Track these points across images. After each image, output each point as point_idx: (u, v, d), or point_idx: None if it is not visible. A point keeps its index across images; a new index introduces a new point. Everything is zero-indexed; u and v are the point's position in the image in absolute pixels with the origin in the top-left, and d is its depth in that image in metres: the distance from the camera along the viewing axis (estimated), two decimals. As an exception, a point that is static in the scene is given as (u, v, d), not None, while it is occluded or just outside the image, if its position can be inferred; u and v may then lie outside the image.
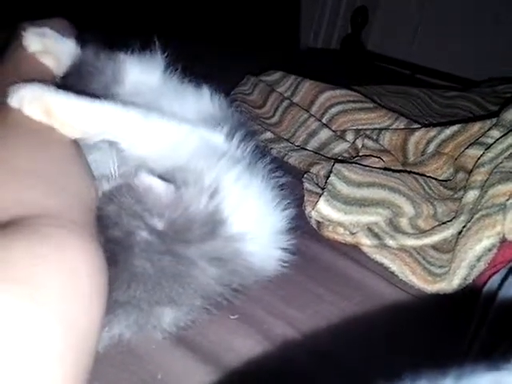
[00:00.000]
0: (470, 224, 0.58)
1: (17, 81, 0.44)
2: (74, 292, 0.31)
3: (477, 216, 0.58)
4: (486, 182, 0.63)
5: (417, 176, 0.74)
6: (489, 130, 0.74)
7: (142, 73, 0.60)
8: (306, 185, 0.73)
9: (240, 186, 0.45)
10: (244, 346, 0.45)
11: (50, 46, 0.53)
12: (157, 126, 0.48)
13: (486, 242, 0.55)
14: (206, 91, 0.60)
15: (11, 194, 0.36)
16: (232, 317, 0.48)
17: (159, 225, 0.39)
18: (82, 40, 0.58)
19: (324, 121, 0.94)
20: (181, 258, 0.39)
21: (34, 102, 0.42)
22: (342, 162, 0.74)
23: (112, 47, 0.60)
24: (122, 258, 0.38)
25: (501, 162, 0.65)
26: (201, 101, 0.59)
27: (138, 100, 0.54)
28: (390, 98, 1.14)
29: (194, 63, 0.61)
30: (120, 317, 0.39)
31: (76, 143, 0.45)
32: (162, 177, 0.41)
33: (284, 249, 0.49)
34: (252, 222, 0.46)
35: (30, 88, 0.43)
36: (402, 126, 0.90)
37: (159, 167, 0.45)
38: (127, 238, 0.39)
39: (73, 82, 0.54)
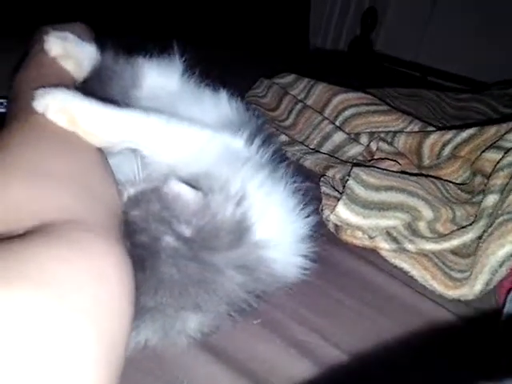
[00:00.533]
0: (491, 229, 0.58)
1: (39, 85, 0.45)
2: (104, 296, 0.31)
3: (499, 220, 0.57)
4: (506, 186, 0.62)
5: (434, 179, 0.73)
6: (506, 133, 0.73)
7: (160, 77, 0.60)
8: (324, 188, 0.73)
9: (263, 193, 0.45)
10: (268, 352, 0.45)
11: (71, 50, 0.53)
12: (179, 133, 0.47)
13: (508, 247, 0.54)
14: (223, 95, 0.60)
15: (39, 197, 0.36)
16: (255, 321, 0.48)
17: (186, 231, 0.39)
18: (100, 44, 0.58)
19: (337, 124, 0.93)
20: (207, 264, 0.39)
21: (59, 110, 0.42)
22: (358, 165, 0.74)
23: (130, 51, 0.61)
24: (149, 264, 0.38)
25: (520, 166, 0.64)
26: (219, 105, 0.59)
27: (156, 104, 0.54)
28: (402, 100, 1.13)
29: (206, 67, 0.61)
30: (147, 322, 0.39)
31: (99, 148, 0.46)
32: (188, 183, 0.41)
33: (305, 256, 0.49)
34: (275, 228, 0.46)
35: (56, 95, 0.43)
36: (417, 129, 0.89)
37: (182, 173, 0.45)
38: (154, 244, 0.39)
39: (92, 86, 0.54)
